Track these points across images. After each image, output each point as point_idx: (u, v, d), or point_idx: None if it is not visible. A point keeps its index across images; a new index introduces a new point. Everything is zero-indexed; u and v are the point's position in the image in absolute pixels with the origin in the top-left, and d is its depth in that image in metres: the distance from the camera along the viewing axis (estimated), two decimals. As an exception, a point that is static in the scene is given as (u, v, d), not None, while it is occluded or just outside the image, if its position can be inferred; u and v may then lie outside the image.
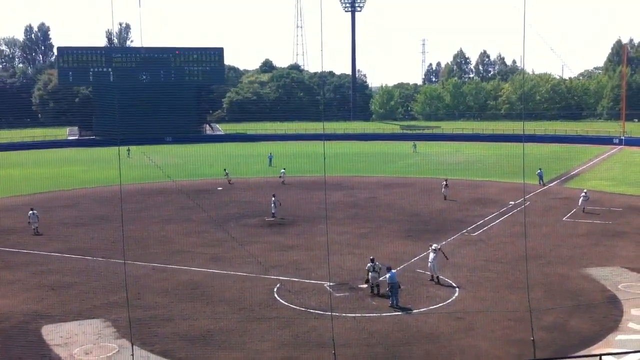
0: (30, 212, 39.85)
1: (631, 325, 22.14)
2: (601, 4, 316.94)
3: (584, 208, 43.44)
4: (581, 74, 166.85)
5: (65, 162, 76.63)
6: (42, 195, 54.78)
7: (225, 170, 61.23)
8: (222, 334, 21.93)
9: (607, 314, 23.26)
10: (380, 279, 26.00)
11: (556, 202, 47.64)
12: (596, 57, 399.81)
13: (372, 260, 26.16)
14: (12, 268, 31.26)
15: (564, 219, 41.63)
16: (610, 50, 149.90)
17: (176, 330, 22.24)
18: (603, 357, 16.37)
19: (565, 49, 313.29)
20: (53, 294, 26.92)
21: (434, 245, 28.60)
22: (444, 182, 50.80)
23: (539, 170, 56.29)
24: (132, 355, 17.46)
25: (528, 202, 45.10)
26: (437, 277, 27.71)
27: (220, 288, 27.41)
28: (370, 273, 26.01)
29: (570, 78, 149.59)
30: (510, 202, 46.78)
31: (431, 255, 27.88)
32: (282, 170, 62.34)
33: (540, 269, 29.06)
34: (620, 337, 21.10)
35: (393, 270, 25.10)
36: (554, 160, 71.21)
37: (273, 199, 43.39)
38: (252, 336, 21.64)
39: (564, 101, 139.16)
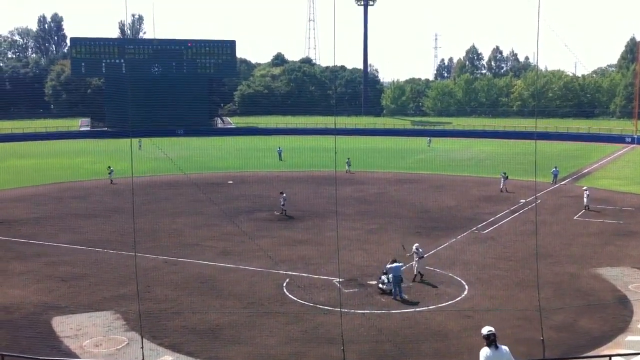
0: None
1: (641, 326, 22.02)
2: (616, 1, 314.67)
3: (588, 206, 43.28)
4: (594, 72, 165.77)
5: (77, 153, 76.97)
6: (53, 186, 55.12)
7: (109, 167, 57.98)
8: (231, 328, 21.99)
9: (617, 315, 23.14)
10: (387, 270, 25.69)
11: (567, 201, 47.44)
12: (610, 55, 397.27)
13: (393, 262, 25.57)
14: (23, 259, 31.43)
15: (574, 217, 41.46)
16: (624, 48, 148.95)
17: (185, 324, 22.33)
18: (612, 357, 16.31)
19: (579, 46, 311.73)
20: (64, 285, 27.06)
21: (420, 251, 28.23)
22: (503, 175, 51.78)
23: (554, 169, 56.11)
24: (142, 348, 17.55)
25: (539, 200, 44.94)
26: (421, 275, 27.43)
27: (229, 282, 27.47)
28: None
29: (583, 75, 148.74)
30: (521, 200, 46.63)
31: (415, 256, 27.61)
32: (347, 160, 62.58)
33: (550, 267, 28.96)
34: (630, 338, 20.99)
35: (398, 264, 25.08)
36: (565, 159, 70.85)
37: (283, 195, 42.68)
38: (261, 331, 21.69)
39: (577, 99, 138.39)
